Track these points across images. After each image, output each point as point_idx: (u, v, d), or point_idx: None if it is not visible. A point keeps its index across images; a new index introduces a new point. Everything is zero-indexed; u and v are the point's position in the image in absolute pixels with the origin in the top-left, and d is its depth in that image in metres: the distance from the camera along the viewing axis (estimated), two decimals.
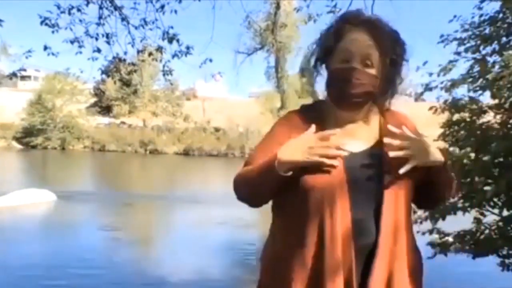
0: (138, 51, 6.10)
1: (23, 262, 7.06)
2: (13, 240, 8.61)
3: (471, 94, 4.29)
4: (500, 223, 4.25)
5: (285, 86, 40.58)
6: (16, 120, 42.40)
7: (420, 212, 4.08)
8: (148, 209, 13.77)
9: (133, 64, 6.40)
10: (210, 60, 6.19)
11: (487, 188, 3.83)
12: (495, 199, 4.15)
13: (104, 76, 14.54)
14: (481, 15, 4.52)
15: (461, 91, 4.39)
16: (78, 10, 5.56)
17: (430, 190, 1.49)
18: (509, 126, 4.14)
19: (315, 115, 1.52)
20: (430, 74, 4.53)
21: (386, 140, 1.41)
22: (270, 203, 1.55)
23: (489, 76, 3.98)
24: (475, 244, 4.33)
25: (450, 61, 4.49)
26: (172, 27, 5.83)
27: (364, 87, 1.43)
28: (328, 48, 1.48)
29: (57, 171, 25.40)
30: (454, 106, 4.32)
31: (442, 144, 4.54)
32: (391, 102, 1.54)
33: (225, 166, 26.84)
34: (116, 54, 5.97)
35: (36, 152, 37.90)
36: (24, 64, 6.30)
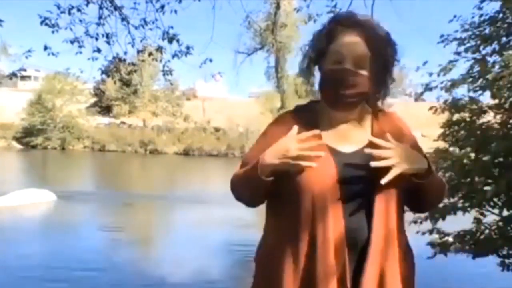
0: (138, 51, 6.10)
1: (23, 262, 7.06)
2: (13, 240, 8.60)
3: (471, 94, 4.29)
4: (500, 223, 4.25)
5: (285, 86, 40.55)
6: (16, 120, 42.41)
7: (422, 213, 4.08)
8: (148, 209, 13.78)
9: (133, 64, 6.40)
10: (210, 60, 6.19)
11: (487, 188, 3.83)
12: (495, 199, 4.15)
13: (104, 76, 14.52)
14: (481, 15, 4.52)
15: (461, 91, 4.40)
16: (78, 10, 5.57)
17: (418, 196, 1.49)
18: (509, 126, 4.14)
19: (308, 115, 1.54)
20: (430, 74, 4.54)
21: (366, 150, 1.41)
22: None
23: (489, 76, 3.98)
24: (475, 244, 4.33)
25: (450, 61, 4.49)
26: (172, 27, 5.85)
27: (357, 88, 1.44)
28: (321, 50, 1.50)
29: (57, 171, 25.40)
30: (454, 106, 4.32)
31: (442, 144, 4.55)
32: (384, 102, 1.56)
33: (225, 166, 26.82)
34: (116, 54, 5.98)
35: (36, 152, 37.90)
36: (24, 64, 6.31)
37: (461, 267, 6.31)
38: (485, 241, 4.28)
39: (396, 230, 1.44)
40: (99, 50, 5.80)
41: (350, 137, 1.50)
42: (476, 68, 4.29)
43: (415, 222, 4.27)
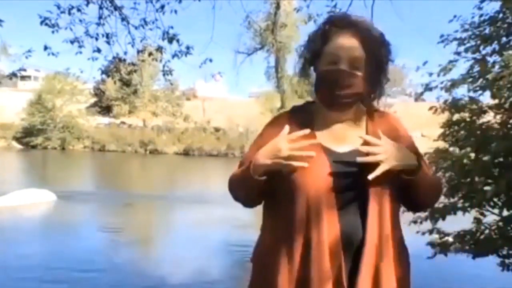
0: (138, 51, 6.10)
1: (23, 263, 7.05)
2: (12, 240, 8.60)
3: (471, 94, 4.28)
4: (500, 223, 4.25)
5: (285, 86, 40.51)
6: (16, 120, 42.42)
7: (420, 212, 4.07)
8: (148, 209, 13.78)
9: (133, 64, 6.40)
10: (210, 60, 6.20)
11: (487, 188, 3.83)
12: (495, 199, 4.14)
13: (104, 76, 14.50)
14: (481, 15, 4.52)
15: (461, 91, 4.39)
16: (78, 10, 5.57)
17: (409, 193, 1.49)
18: (509, 126, 4.13)
19: (304, 116, 1.55)
20: (430, 74, 4.53)
21: (360, 148, 1.42)
22: None
23: (489, 76, 3.97)
24: (475, 244, 4.32)
25: (450, 61, 4.48)
26: (172, 27, 5.85)
27: (352, 88, 1.46)
28: (316, 51, 1.51)
29: (57, 171, 25.40)
30: (454, 106, 4.32)
31: (442, 144, 4.55)
32: (379, 102, 1.57)
33: (225, 166, 26.80)
34: (116, 54, 5.98)
35: (36, 152, 37.89)
36: (24, 64, 6.32)
37: (461, 267, 6.31)
38: (485, 241, 4.27)
39: (390, 230, 1.44)
40: (99, 50, 5.80)
41: (345, 137, 1.51)
42: (476, 68, 4.28)
43: (415, 222, 4.27)
